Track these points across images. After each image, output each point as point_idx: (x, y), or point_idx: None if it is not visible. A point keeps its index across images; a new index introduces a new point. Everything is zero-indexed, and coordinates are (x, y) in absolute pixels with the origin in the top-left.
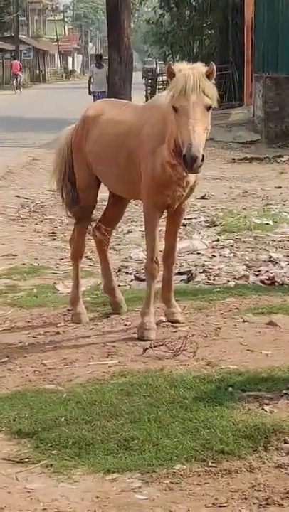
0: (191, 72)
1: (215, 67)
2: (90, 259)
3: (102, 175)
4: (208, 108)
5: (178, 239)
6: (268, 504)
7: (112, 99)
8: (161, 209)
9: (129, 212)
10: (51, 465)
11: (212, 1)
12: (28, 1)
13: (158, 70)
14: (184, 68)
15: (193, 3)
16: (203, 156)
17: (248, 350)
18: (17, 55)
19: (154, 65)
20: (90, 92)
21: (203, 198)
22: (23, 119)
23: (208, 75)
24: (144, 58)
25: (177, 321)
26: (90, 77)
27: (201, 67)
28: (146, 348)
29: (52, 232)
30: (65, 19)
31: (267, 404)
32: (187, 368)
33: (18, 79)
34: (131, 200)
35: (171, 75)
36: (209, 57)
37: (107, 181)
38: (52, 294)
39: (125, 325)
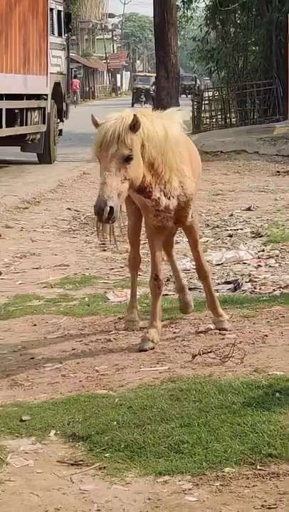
0: (113, 124)
1: (138, 119)
2: (139, 268)
3: None
4: (128, 159)
5: (201, 255)
6: None
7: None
8: (155, 229)
9: None
10: (104, 467)
11: (256, 18)
12: (78, 21)
13: (202, 86)
14: (109, 120)
15: (238, 20)
16: (112, 208)
17: None
18: (69, 74)
19: (193, 81)
20: None
21: (248, 209)
22: (72, 134)
23: (132, 126)
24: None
25: (224, 329)
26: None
27: (127, 118)
28: (195, 355)
29: (102, 244)
30: (114, 38)
31: None
32: (235, 374)
33: (76, 96)
34: None
35: (96, 125)
36: (254, 72)
37: None
38: (103, 303)
39: (174, 333)
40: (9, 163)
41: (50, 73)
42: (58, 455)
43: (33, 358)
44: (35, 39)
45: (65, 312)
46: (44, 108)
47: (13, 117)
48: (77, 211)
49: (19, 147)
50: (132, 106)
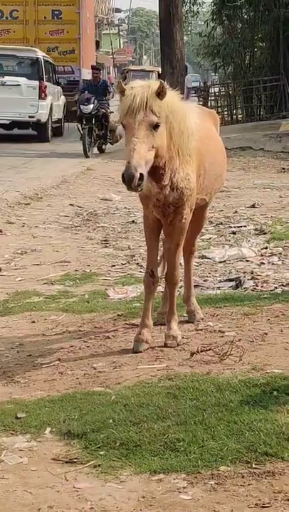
0: (140, 90)
1: (165, 84)
2: (141, 266)
3: None
4: (156, 126)
5: (177, 263)
6: None
7: None
8: (152, 222)
9: None
10: (99, 465)
11: (263, 14)
12: None
13: (208, 82)
14: (135, 86)
15: (245, 16)
16: (141, 174)
17: None
18: None
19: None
20: None
21: (253, 206)
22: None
23: (159, 93)
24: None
25: (167, 345)
26: None
27: (153, 85)
28: (194, 353)
29: (104, 240)
30: (120, 33)
31: None
32: (233, 372)
33: None
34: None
35: (122, 93)
36: (260, 69)
37: None
38: (103, 300)
39: None
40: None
41: None
42: (53, 452)
43: (30, 355)
44: None
45: (64, 309)
46: None
47: None
48: (80, 207)
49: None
50: None
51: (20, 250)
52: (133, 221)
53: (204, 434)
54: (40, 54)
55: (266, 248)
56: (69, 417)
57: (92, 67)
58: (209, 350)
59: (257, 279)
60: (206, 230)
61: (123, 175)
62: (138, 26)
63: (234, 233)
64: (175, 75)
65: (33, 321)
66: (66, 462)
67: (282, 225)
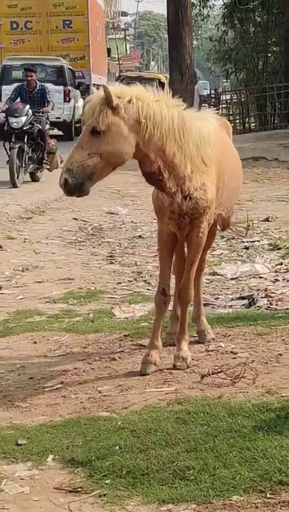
0: (95, 95)
1: (109, 90)
2: (149, 283)
3: None
4: (95, 132)
5: (191, 278)
6: None
7: None
8: (166, 237)
9: None
10: (104, 495)
11: (277, 17)
12: None
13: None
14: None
15: (258, 19)
16: (66, 180)
17: None
18: None
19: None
20: None
21: (267, 220)
22: None
23: (105, 99)
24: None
25: (176, 367)
26: None
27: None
28: (204, 375)
29: (110, 256)
30: (127, 37)
31: None
32: (246, 396)
33: None
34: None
35: None
36: (274, 74)
37: None
38: (108, 319)
39: None
40: None
41: None
42: (56, 481)
43: (32, 378)
44: None
45: (67, 329)
46: None
47: None
48: (84, 221)
49: None
50: None
51: (21, 267)
52: (140, 236)
53: (216, 462)
54: (64, 62)
55: (281, 264)
56: (73, 444)
57: (26, 69)
58: (221, 372)
59: (271, 296)
60: (217, 245)
61: None
62: (145, 30)
63: (247, 248)
64: (184, 82)
65: (35, 342)
66: (70, 491)
67: None
